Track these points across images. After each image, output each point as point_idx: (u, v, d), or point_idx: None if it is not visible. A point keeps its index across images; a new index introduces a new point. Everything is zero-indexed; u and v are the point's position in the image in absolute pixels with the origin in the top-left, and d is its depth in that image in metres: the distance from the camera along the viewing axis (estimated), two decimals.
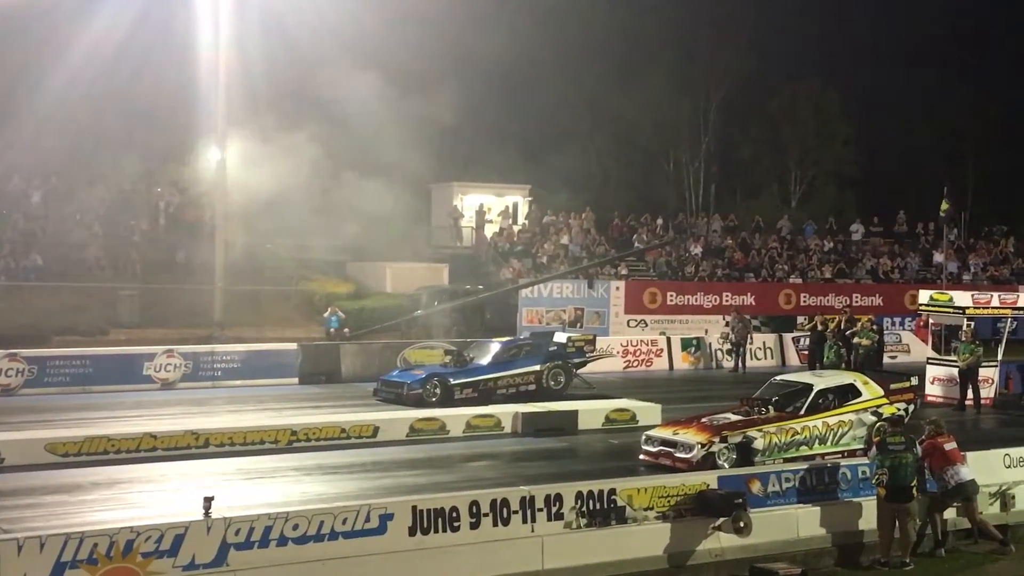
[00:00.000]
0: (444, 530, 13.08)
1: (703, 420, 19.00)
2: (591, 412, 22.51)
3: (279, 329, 32.41)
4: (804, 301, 39.53)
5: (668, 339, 34.39)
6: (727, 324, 34.55)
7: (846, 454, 18.79)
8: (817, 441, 19.07)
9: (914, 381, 21.33)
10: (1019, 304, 27.64)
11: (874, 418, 19.51)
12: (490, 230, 41.82)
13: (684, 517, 14.42)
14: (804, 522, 15.19)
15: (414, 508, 13.03)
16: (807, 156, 59.36)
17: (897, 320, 39.00)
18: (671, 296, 37.74)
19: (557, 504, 13.77)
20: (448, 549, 13.01)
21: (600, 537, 13.86)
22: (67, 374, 25.99)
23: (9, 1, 31.59)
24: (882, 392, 20.12)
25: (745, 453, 18.12)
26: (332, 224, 34.58)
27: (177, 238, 35.52)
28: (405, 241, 35.61)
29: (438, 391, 24.68)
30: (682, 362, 33.98)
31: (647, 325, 36.86)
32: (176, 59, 31.65)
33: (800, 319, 38.01)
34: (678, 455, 18.08)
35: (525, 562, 13.36)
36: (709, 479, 15.04)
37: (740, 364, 32.99)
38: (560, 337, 27.87)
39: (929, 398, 25.93)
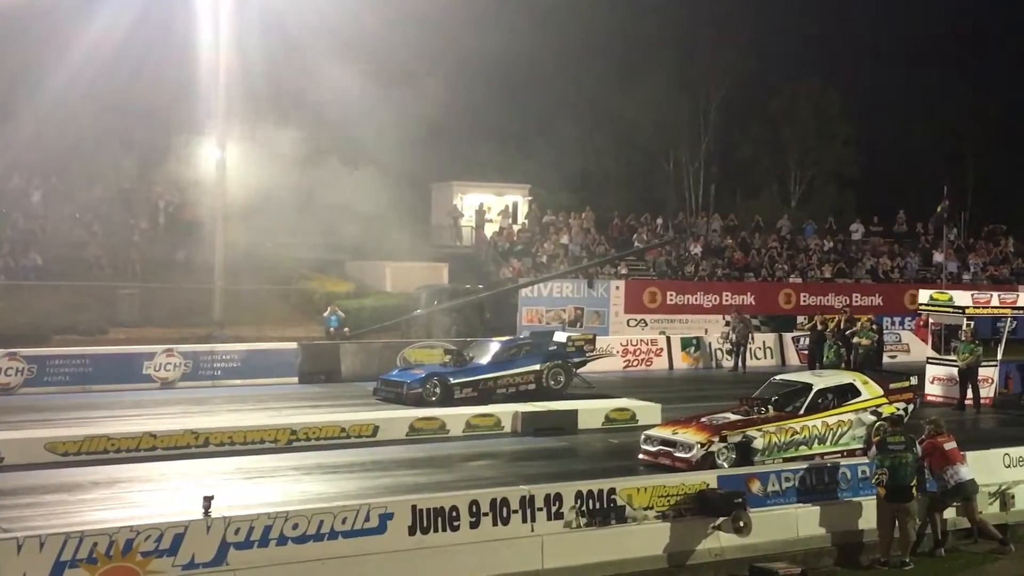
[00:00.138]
0: (444, 529, 13.07)
1: (702, 420, 19.00)
2: (591, 412, 22.51)
3: (279, 328, 32.40)
4: (804, 301, 39.52)
5: (668, 339, 34.40)
6: (727, 324, 34.56)
7: (845, 454, 18.79)
8: (816, 441, 19.07)
9: (913, 381, 21.32)
10: (1019, 304, 27.63)
11: (873, 418, 19.50)
12: (490, 229, 41.83)
13: (684, 517, 14.42)
14: (804, 522, 15.18)
15: (414, 507, 13.03)
16: (807, 156, 59.35)
17: (897, 320, 39.00)
18: (671, 296, 37.73)
19: (557, 503, 13.77)
20: (448, 548, 13.01)
21: (600, 536, 13.86)
22: (67, 373, 25.98)
23: (9, 1, 31.59)
24: (881, 392, 20.11)
25: (744, 453, 18.11)
26: (332, 223, 34.61)
27: (177, 237, 35.55)
28: (405, 240, 35.61)
29: (438, 390, 24.68)
30: (682, 362, 33.99)
31: (647, 325, 36.86)
32: (176, 59, 31.69)
33: (800, 319, 38.01)
34: (677, 455, 18.08)
35: (525, 561, 13.36)
36: (709, 479, 15.04)
37: (740, 364, 33.01)
38: (560, 337, 27.88)
39: (929, 398, 25.94)
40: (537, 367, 25.91)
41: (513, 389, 25.43)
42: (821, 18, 58.65)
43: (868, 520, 15.41)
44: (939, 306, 27.50)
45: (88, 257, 33.82)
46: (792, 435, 18.79)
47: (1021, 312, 27.83)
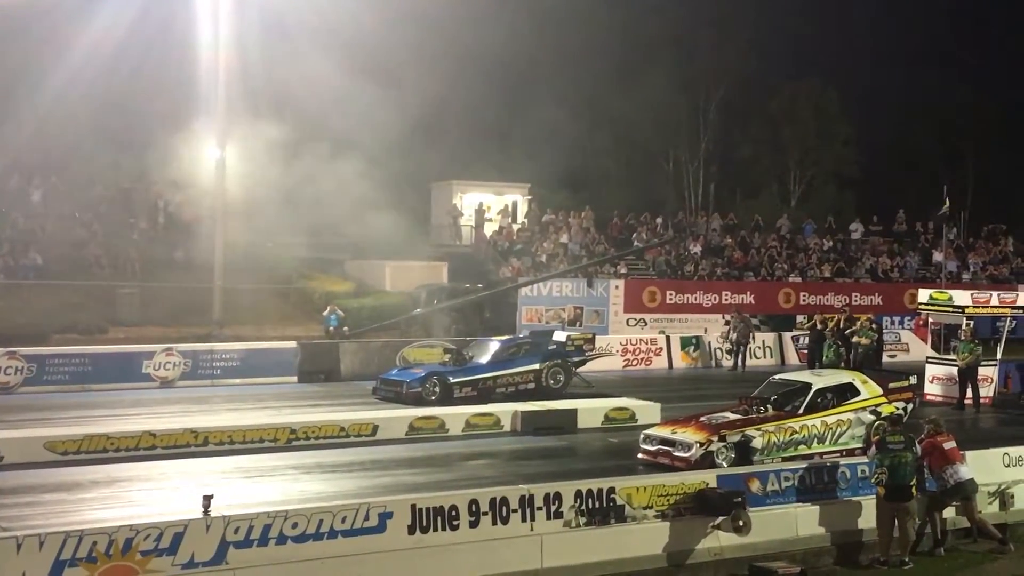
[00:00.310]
0: (443, 529, 13.08)
1: (702, 419, 19.00)
2: (590, 411, 22.51)
3: (278, 327, 32.40)
4: (803, 300, 39.55)
5: (667, 338, 34.39)
6: (726, 323, 34.57)
7: (844, 453, 18.80)
8: (816, 440, 19.07)
9: (913, 380, 21.33)
10: (1018, 303, 27.64)
11: (873, 417, 19.50)
12: (490, 229, 41.83)
13: (683, 516, 14.43)
14: (803, 521, 15.19)
15: (413, 507, 13.03)
16: (807, 156, 59.32)
17: (896, 319, 39.02)
18: (670, 295, 37.74)
19: (556, 503, 13.77)
20: (447, 548, 13.01)
21: (599, 536, 13.86)
22: (66, 372, 25.99)
23: (9, 1, 31.58)
24: (881, 391, 20.11)
25: (744, 452, 18.11)
26: (331, 222, 34.60)
27: (176, 236, 35.53)
28: (405, 240, 35.61)
29: (437, 390, 24.68)
30: (681, 361, 33.99)
31: (646, 324, 36.88)
32: (176, 58, 31.68)
33: (799, 318, 38.01)
34: (676, 454, 18.08)
35: (524, 561, 13.37)
36: (708, 478, 15.04)
37: (740, 363, 33.02)
38: (559, 336, 27.88)
39: (928, 397, 25.94)
40: (537, 366, 25.93)
41: (512, 388, 25.46)
42: (821, 18, 58.73)
43: (867, 519, 15.42)
44: (939, 305, 27.50)
45: (88, 256, 33.82)
46: (791, 434, 18.79)
47: (1021, 312, 27.86)
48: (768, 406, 19.38)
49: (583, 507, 13.89)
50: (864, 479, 15.72)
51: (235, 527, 12.10)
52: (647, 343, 33.86)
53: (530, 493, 13.71)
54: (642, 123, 52.84)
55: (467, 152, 45.35)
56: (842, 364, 27.55)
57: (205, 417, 21.65)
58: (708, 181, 58.08)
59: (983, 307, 27.14)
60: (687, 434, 18.32)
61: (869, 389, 20.08)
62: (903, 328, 38.11)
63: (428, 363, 27.13)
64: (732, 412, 19.34)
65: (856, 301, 39.13)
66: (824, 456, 18.39)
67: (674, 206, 51.80)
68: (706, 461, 17.66)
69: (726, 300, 37.83)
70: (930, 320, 28.24)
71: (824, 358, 28.81)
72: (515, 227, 41.79)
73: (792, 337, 35.61)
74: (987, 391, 26.40)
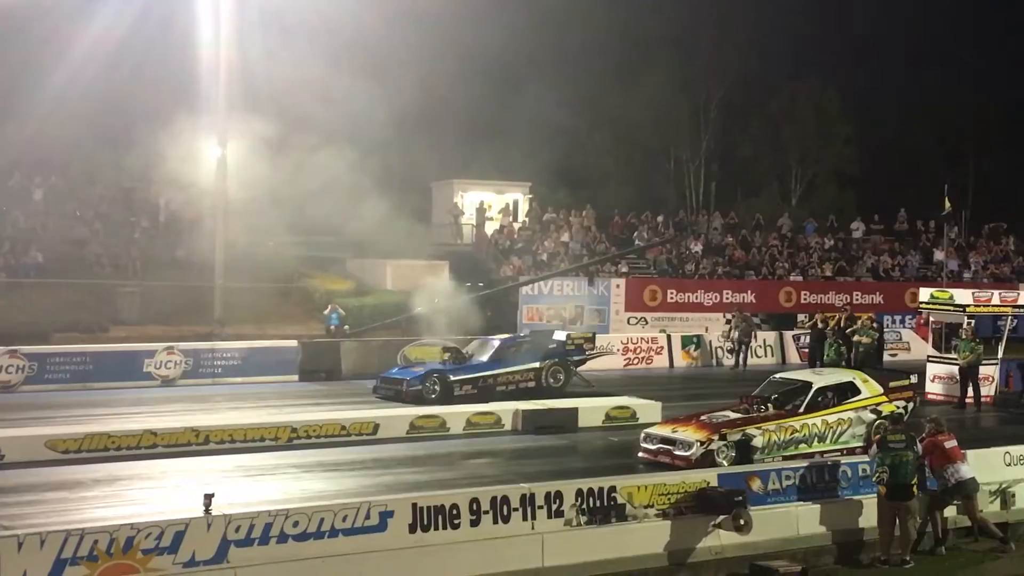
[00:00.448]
0: (444, 527, 13.09)
1: (702, 418, 19.00)
2: (591, 410, 22.52)
3: (279, 326, 32.39)
4: (804, 299, 39.52)
5: (668, 337, 34.39)
6: (727, 322, 34.56)
7: (845, 452, 18.80)
8: (816, 439, 19.08)
9: (913, 379, 21.35)
10: (1019, 302, 27.64)
11: (873, 416, 19.49)
12: (491, 227, 41.81)
13: (684, 515, 14.44)
14: (804, 520, 15.20)
15: (414, 505, 13.04)
16: (807, 155, 59.32)
17: (897, 318, 38.99)
18: (671, 294, 37.72)
19: (557, 501, 13.78)
20: (448, 546, 13.02)
21: (600, 534, 13.87)
22: (67, 371, 26.00)
23: (9, 0, 31.58)
24: (881, 390, 20.12)
25: (744, 451, 18.11)
26: (332, 221, 34.56)
27: (177, 235, 35.52)
28: (405, 238, 35.58)
29: (437, 388, 24.70)
30: (682, 360, 33.99)
31: (647, 323, 36.86)
32: (176, 56, 31.64)
33: (800, 317, 37.96)
34: (677, 453, 18.08)
35: (525, 559, 13.37)
36: (709, 477, 15.05)
37: (741, 362, 33.03)
38: (560, 335, 27.88)
39: (929, 396, 25.96)
40: (537, 365, 25.95)
41: (513, 387, 25.47)
42: (821, 18, 58.67)
43: (869, 518, 15.43)
44: (940, 304, 27.50)
45: (89, 255, 33.83)
46: (792, 433, 18.80)
47: (1022, 310, 27.84)
48: (769, 405, 19.38)
49: (584, 506, 13.90)
50: (865, 478, 15.73)
51: (236, 526, 12.11)
52: (648, 342, 33.87)
53: (531, 492, 13.72)
54: (643, 122, 52.88)
55: (468, 151, 45.33)
56: (843, 363, 27.55)
57: (206, 416, 21.64)
58: (709, 180, 58.14)
59: (984, 306, 27.15)
60: (688, 433, 18.32)
61: (870, 388, 20.09)
62: (904, 327, 38.10)
63: (428, 361, 27.14)
64: (733, 411, 19.33)
65: (857, 300, 39.09)
66: (824, 455, 18.40)
67: (675, 205, 51.82)
68: (706, 460, 17.66)
69: (727, 299, 37.81)
70: (931, 319, 28.22)
71: (825, 357, 28.81)
72: (516, 226, 41.77)
73: (793, 336, 35.60)
74: (988, 390, 26.41)
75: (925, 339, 30.12)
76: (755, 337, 34.03)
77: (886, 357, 32.21)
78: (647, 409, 22.63)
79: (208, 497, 12.38)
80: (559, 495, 13.82)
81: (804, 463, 16.16)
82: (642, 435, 19.10)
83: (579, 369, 27.03)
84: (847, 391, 19.89)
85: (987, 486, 16.32)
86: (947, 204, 36.23)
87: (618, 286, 37.00)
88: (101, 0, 31.99)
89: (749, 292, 38.87)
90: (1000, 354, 27.02)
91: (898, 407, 19.75)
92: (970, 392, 25.85)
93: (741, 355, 33.19)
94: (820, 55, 57.57)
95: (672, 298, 37.69)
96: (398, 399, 24.38)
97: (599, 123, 53.52)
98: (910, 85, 60.21)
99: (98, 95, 32.44)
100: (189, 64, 31.11)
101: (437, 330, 31.38)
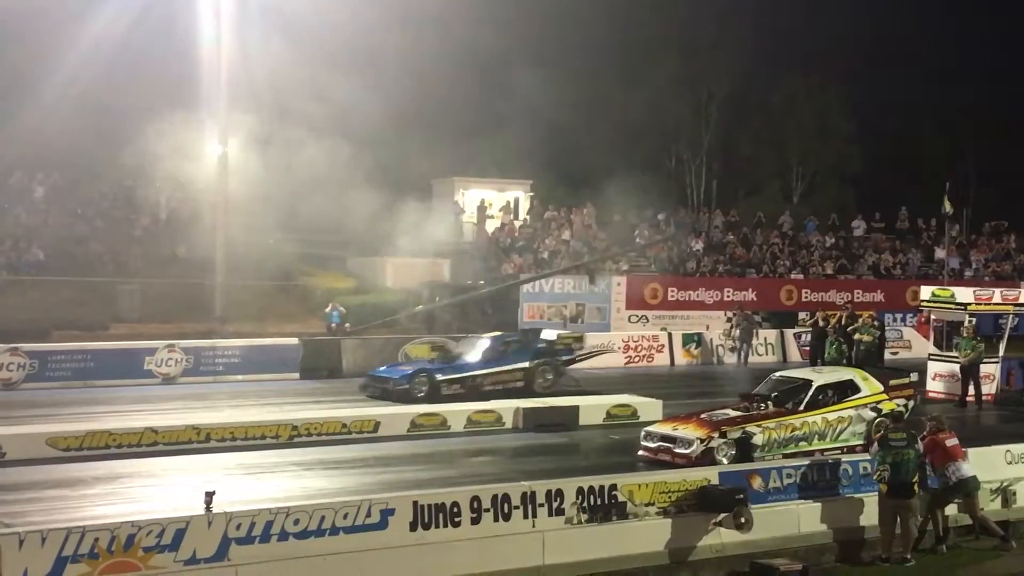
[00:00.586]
0: (445, 525, 13.09)
1: (702, 416, 18.99)
2: (592, 408, 22.51)
3: (280, 324, 32.39)
4: (805, 297, 39.45)
5: (669, 335, 34.37)
6: (729, 320, 34.55)
7: (845, 450, 18.80)
8: (816, 437, 19.08)
9: (914, 377, 21.37)
10: (1021, 300, 27.60)
11: (873, 414, 19.50)
12: (491, 225, 41.79)
13: (685, 513, 14.45)
14: (805, 518, 15.21)
15: (415, 503, 13.05)
16: (809, 153, 59.26)
17: (899, 316, 38.93)
18: (672, 292, 37.66)
19: (558, 499, 13.78)
20: (449, 544, 13.03)
21: (601, 532, 13.88)
22: (68, 368, 26.00)
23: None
24: (881, 388, 20.14)
25: (744, 449, 18.11)
26: (333, 219, 34.55)
27: (178, 233, 35.50)
28: (406, 236, 35.56)
29: (425, 387, 24.50)
30: (683, 358, 33.98)
31: (648, 321, 36.80)
32: (178, 53, 31.63)
33: (801, 315, 37.89)
34: (677, 451, 18.07)
35: (526, 557, 13.38)
36: (710, 475, 15.05)
37: (743, 360, 33.02)
38: (549, 334, 27.72)
39: (930, 394, 25.95)
40: (526, 364, 25.73)
41: (501, 386, 25.13)
42: (822, 15, 58.58)
43: (869, 516, 15.43)
44: (941, 302, 27.48)
45: (90, 253, 33.83)
46: (792, 431, 18.80)
47: (1023, 308, 27.80)
48: (769, 403, 19.39)
49: (585, 504, 13.91)
50: (866, 476, 15.74)
51: (237, 523, 12.12)
52: (649, 340, 33.85)
53: (532, 490, 13.73)
54: (644, 120, 52.81)
55: (469, 149, 45.31)
56: (844, 361, 27.53)
57: (207, 413, 21.66)
58: (710, 178, 58.06)
59: (985, 304, 27.11)
60: (688, 431, 18.32)
61: (870, 386, 20.09)
62: (905, 325, 38.05)
63: (417, 360, 27.00)
64: (733, 409, 19.34)
65: (858, 298, 39.01)
66: (825, 453, 18.40)
67: (676, 203, 51.76)
68: (707, 458, 17.65)
69: (728, 297, 37.74)
70: (932, 317, 28.18)
71: (826, 355, 28.79)
72: (517, 224, 41.76)
73: (794, 334, 35.58)
74: (989, 388, 26.40)
75: (926, 337, 30.07)
76: (756, 335, 34.02)
77: (887, 355, 32.16)
78: (648, 407, 22.62)
79: (209, 495, 12.38)
80: (560, 493, 13.83)
81: (805, 461, 16.16)
82: (643, 433, 19.10)
83: (568, 369, 26.84)
84: (847, 389, 19.90)
85: (988, 484, 16.32)
86: (947, 206, 36.20)
87: (619, 284, 36.87)
88: None
89: (750, 290, 38.83)
90: (1001, 352, 26.97)
91: (898, 405, 19.68)
92: (971, 390, 25.85)
93: (742, 353, 33.19)
94: (821, 53, 57.51)
95: (673, 296, 37.61)
96: (385, 397, 24.20)
97: (600, 121, 53.44)
98: (912, 83, 60.19)
99: (99, 93, 32.46)
100: (190, 62, 31.10)
101: (438, 328, 31.44)
